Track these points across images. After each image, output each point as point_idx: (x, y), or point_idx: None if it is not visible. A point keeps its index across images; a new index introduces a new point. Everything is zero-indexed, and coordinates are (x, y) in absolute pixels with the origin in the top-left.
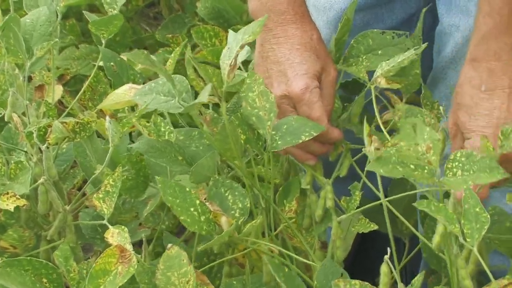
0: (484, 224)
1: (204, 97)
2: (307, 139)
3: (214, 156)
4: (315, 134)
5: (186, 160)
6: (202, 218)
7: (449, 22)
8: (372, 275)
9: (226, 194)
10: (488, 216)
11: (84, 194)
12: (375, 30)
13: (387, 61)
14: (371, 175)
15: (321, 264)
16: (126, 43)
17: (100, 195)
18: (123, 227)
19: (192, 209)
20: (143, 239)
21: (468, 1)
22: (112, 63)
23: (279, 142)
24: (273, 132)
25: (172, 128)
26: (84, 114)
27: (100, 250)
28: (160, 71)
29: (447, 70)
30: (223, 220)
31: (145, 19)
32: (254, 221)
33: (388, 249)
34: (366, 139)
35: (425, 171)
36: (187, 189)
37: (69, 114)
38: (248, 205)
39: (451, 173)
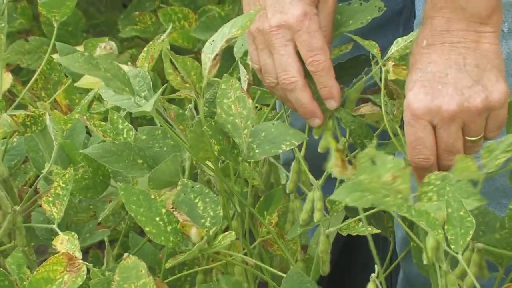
0: (469, 229)
1: (149, 106)
2: (287, 148)
3: (177, 159)
4: (296, 144)
5: (147, 163)
6: (169, 228)
7: None
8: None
9: (196, 201)
10: (473, 220)
11: (36, 192)
12: (341, 4)
13: (403, 37)
14: None
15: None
16: (79, 33)
17: (50, 198)
18: (73, 233)
19: (157, 218)
20: (106, 242)
21: None
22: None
23: (256, 151)
24: (250, 140)
25: (130, 126)
26: (36, 106)
27: (54, 252)
28: (104, 75)
29: None
30: (193, 231)
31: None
32: (228, 233)
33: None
34: (333, 155)
35: (398, 196)
36: (152, 196)
37: (20, 105)
38: (221, 213)
39: (426, 198)
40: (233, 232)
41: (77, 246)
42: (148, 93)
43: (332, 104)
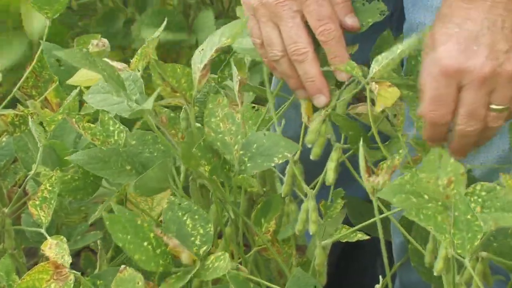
0: (477, 233)
1: (149, 104)
2: (280, 161)
3: (166, 165)
4: (289, 156)
5: (136, 169)
6: (158, 251)
7: (415, 20)
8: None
9: (185, 219)
10: (482, 224)
11: (26, 193)
12: None
13: (383, 54)
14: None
15: (291, 276)
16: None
17: (37, 202)
18: (61, 237)
19: (145, 243)
20: (99, 245)
21: None
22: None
23: (248, 165)
24: (242, 152)
25: (122, 127)
26: (26, 104)
27: (45, 255)
28: (101, 72)
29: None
30: (184, 256)
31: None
32: (221, 254)
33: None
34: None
35: (439, 204)
36: (139, 221)
37: (11, 104)
38: (211, 231)
39: None
40: (226, 254)
41: (66, 251)
42: (140, 96)
43: (343, 77)
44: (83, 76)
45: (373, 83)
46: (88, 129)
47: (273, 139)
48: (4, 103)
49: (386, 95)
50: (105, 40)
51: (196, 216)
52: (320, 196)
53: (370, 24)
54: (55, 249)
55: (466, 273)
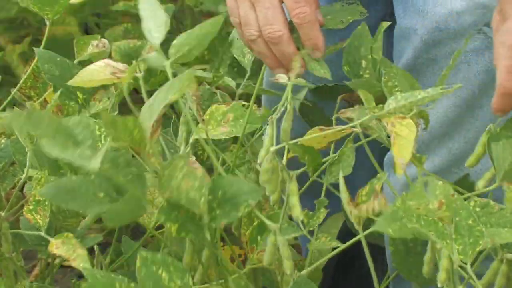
0: (478, 238)
1: (96, 162)
2: (246, 210)
3: (141, 191)
4: (253, 203)
5: (110, 195)
6: None
7: (407, 25)
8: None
9: (160, 272)
10: (483, 229)
11: (24, 195)
12: (323, 5)
13: (404, 94)
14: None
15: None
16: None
17: (31, 207)
18: (66, 234)
19: None
20: (96, 250)
21: (424, 2)
22: (51, 65)
23: (217, 212)
24: (210, 198)
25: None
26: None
27: (44, 258)
28: (46, 135)
29: None
30: None
31: None
32: None
33: None
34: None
35: (439, 225)
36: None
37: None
38: (189, 281)
39: None
40: None
41: (76, 245)
42: (93, 142)
43: (317, 55)
44: (85, 77)
45: (387, 120)
46: None
47: (237, 185)
48: (3, 105)
49: (403, 133)
50: (105, 41)
51: (172, 268)
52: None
53: (350, 21)
54: (64, 247)
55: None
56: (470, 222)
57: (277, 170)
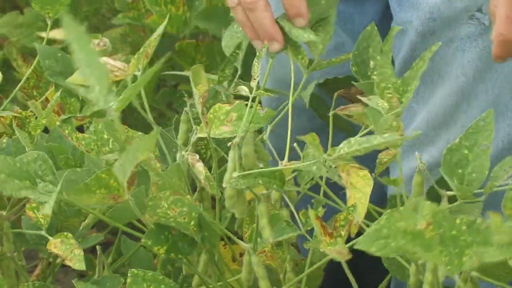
0: (463, 248)
1: (48, 208)
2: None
3: (142, 193)
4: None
5: None
6: None
7: (402, 19)
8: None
9: None
10: (468, 239)
11: None
12: None
13: (358, 139)
14: None
15: None
16: (80, 17)
17: (33, 205)
18: (66, 233)
19: None
20: (98, 250)
21: None
22: (51, 61)
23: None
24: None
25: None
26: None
27: (45, 257)
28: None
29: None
30: None
31: None
32: None
33: None
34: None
35: (425, 238)
36: None
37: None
38: None
39: None
40: None
41: (75, 245)
42: (53, 176)
43: (300, 22)
44: (82, 75)
45: (341, 168)
46: (82, 140)
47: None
48: (5, 104)
49: (359, 185)
50: (106, 40)
51: (162, 286)
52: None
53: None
54: (62, 246)
55: None
56: (454, 232)
57: (243, 193)
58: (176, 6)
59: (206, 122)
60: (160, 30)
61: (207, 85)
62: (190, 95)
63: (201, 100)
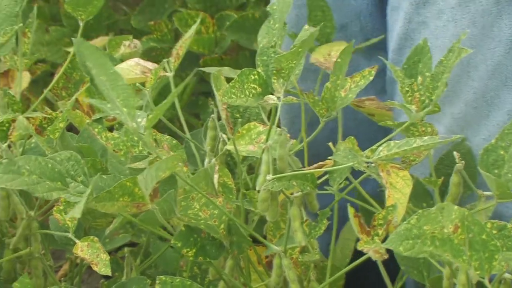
0: (493, 252)
1: (77, 211)
2: None
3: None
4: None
5: None
6: None
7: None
8: None
9: None
10: (498, 243)
11: None
12: None
13: (399, 142)
14: None
15: None
16: (101, 27)
17: (61, 207)
18: (92, 237)
19: None
20: (126, 253)
21: None
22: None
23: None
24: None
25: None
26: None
27: (72, 257)
28: (28, 183)
29: (404, 49)
30: None
31: None
32: None
33: None
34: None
35: (454, 243)
36: None
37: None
38: None
39: None
40: None
41: (101, 249)
42: (85, 177)
43: None
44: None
45: (381, 167)
46: (111, 139)
47: None
48: (34, 105)
49: (398, 185)
50: (137, 42)
51: None
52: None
53: None
54: (88, 250)
55: None
56: (483, 237)
57: (276, 195)
58: (206, 26)
59: (231, 128)
60: (191, 31)
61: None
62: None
63: (224, 106)
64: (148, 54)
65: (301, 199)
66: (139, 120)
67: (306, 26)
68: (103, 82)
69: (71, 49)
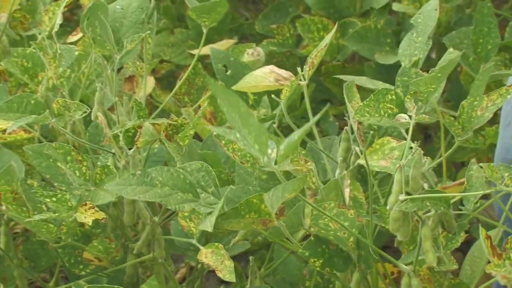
0: None
1: (209, 225)
2: None
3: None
4: None
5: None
6: None
7: None
8: None
9: None
10: None
11: None
12: None
13: None
14: None
15: None
16: (224, 30)
17: (186, 213)
18: (217, 244)
19: None
20: (251, 262)
21: None
22: (224, 65)
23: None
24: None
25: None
26: (180, 112)
27: (190, 263)
28: (161, 195)
29: None
30: None
31: (243, 3)
32: None
33: None
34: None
35: None
36: None
37: (161, 110)
38: None
39: None
40: None
41: (225, 256)
42: (215, 189)
43: None
44: (249, 82)
45: None
46: (238, 151)
47: None
48: (157, 111)
49: None
50: (260, 49)
51: None
52: None
53: None
54: (212, 256)
55: None
56: None
57: (408, 215)
58: (329, 32)
59: (362, 140)
60: (326, 40)
61: (360, 101)
62: (338, 118)
63: (356, 118)
64: (270, 61)
65: (438, 217)
66: (269, 151)
67: (451, 49)
68: (235, 120)
69: (195, 52)
